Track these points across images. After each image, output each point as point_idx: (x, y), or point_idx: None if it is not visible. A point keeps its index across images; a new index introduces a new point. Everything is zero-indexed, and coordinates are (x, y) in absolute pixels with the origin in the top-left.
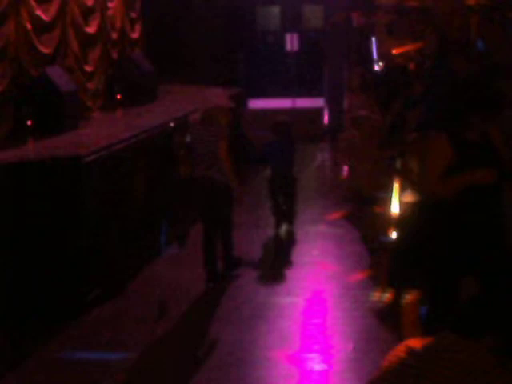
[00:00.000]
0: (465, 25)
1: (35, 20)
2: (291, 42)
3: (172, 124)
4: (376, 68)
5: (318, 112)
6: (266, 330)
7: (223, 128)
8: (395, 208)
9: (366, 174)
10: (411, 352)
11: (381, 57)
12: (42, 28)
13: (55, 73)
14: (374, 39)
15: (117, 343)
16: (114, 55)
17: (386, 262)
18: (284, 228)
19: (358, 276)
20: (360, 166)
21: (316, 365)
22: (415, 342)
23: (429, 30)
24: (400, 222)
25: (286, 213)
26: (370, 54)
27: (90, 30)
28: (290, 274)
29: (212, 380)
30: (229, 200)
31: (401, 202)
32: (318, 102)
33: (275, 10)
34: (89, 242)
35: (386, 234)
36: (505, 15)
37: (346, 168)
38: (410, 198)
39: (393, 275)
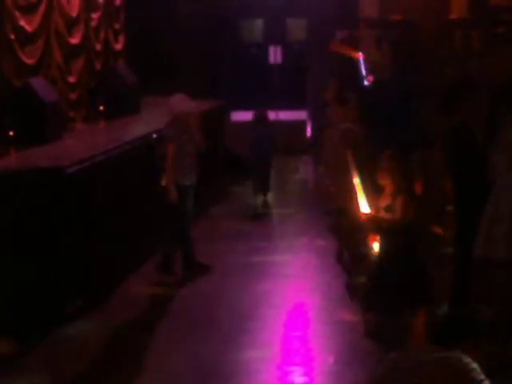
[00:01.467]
0: (449, 39)
1: (19, 30)
2: (275, 55)
3: (155, 135)
4: (365, 83)
5: (301, 125)
6: (247, 341)
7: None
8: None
9: (347, 187)
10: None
11: (369, 71)
12: (25, 39)
13: (38, 84)
14: (360, 54)
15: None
16: (98, 66)
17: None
18: (261, 198)
19: (340, 288)
20: (342, 179)
21: (297, 377)
22: (399, 355)
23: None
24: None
25: (264, 187)
26: (353, 68)
27: (74, 40)
28: (271, 286)
29: None
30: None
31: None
32: (301, 115)
33: (259, 22)
34: (71, 254)
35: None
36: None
37: (328, 181)
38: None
39: (371, 300)
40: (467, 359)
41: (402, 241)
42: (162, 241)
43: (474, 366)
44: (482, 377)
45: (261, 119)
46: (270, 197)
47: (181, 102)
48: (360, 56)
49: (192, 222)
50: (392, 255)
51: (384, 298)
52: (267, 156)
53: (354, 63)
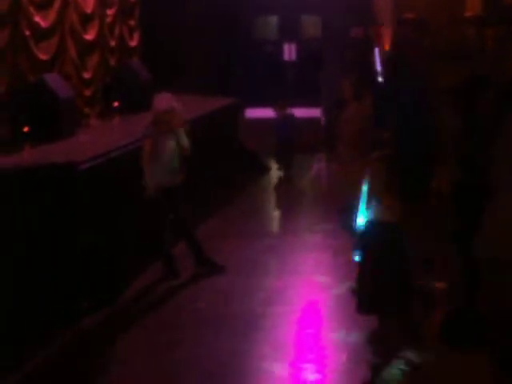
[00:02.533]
0: (462, 37)
1: (34, 26)
2: (289, 52)
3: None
4: (379, 79)
5: (315, 122)
6: (260, 339)
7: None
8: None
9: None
10: (408, 365)
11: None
12: (40, 35)
13: (53, 79)
14: (377, 50)
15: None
16: (112, 62)
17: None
18: (284, 173)
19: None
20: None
21: (310, 375)
22: (411, 355)
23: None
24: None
25: (287, 164)
26: (369, 64)
27: (89, 37)
28: (285, 283)
29: None
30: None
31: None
32: (315, 112)
33: (273, 19)
34: (84, 250)
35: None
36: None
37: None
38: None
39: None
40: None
41: (391, 242)
42: (159, 243)
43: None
44: None
45: (283, 106)
46: (282, 194)
47: (164, 101)
48: (376, 49)
49: (183, 223)
50: (382, 255)
51: (379, 300)
52: (290, 138)
53: (370, 58)
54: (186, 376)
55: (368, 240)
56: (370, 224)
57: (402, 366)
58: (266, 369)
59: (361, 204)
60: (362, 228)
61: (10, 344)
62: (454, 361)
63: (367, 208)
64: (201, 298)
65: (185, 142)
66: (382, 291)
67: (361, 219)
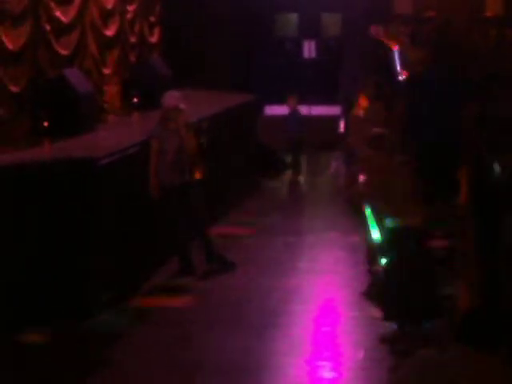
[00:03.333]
0: (482, 36)
1: (54, 21)
2: (309, 49)
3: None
4: (399, 78)
5: (333, 120)
6: (276, 336)
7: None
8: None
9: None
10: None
11: (404, 67)
12: (60, 30)
13: (73, 75)
14: (396, 49)
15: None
16: (132, 59)
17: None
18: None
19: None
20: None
21: (326, 372)
22: (427, 353)
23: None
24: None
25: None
26: (389, 63)
27: (109, 32)
28: (301, 281)
29: None
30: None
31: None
32: (334, 110)
33: (293, 17)
34: (101, 244)
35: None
36: None
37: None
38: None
39: (390, 309)
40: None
41: (415, 247)
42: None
43: None
44: None
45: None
46: (301, 192)
47: (173, 99)
48: (396, 48)
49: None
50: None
51: (402, 306)
52: (297, 137)
53: (390, 57)
54: (200, 373)
55: (393, 247)
56: (394, 231)
57: (418, 365)
58: (282, 366)
59: (374, 215)
60: (379, 239)
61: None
62: (471, 360)
63: (386, 216)
64: (217, 294)
65: (190, 142)
66: (410, 299)
67: (375, 231)
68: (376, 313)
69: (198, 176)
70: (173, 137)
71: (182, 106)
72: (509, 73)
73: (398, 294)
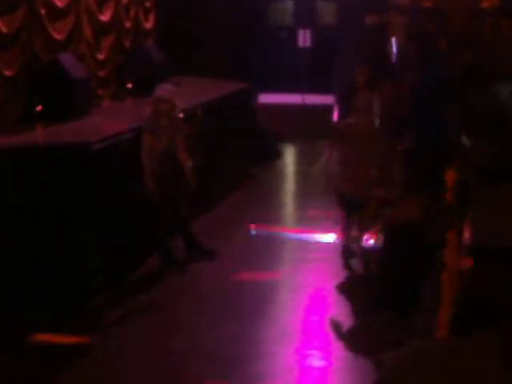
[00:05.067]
0: (479, 27)
1: (49, 6)
2: (303, 38)
3: (181, 115)
4: (395, 67)
5: (327, 109)
6: (267, 324)
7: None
8: None
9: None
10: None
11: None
12: (55, 14)
13: (67, 60)
14: (393, 40)
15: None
16: (127, 44)
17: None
18: None
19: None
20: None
21: (315, 361)
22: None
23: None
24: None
25: None
26: (385, 53)
27: (104, 17)
28: (293, 269)
29: (212, 373)
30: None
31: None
32: (328, 99)
33: (288, 4)
34: (94, 230)
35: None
36: None
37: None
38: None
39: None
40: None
41: (414, 238)
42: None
43: None
44: None
45: None
46: (293, 181)
47: (165, 92)
48: (393, 38)
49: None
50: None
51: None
52: None
53: (386, 46)
54: (191, 359)
55: (389, 242)
56: (391, 226)
57: (409, 355)
58: (272, 355)
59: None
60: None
61: (21, 319)
62: (464, 348)
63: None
64: (207, 282)
65: (182, 155)
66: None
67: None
68: (365, 304)
69: (190, 164)
70: (165, 133)
71: (174, 99)
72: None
73: (391, 285)
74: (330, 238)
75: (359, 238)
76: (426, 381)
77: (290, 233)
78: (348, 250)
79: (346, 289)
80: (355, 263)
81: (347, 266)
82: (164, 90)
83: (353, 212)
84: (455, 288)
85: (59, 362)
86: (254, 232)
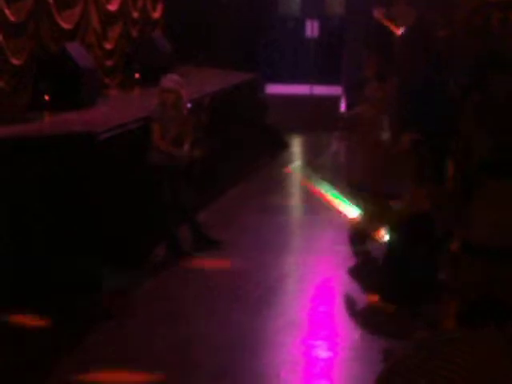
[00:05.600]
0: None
1: None
2: (311, 29)
3: (188, 105)
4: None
5: (335, 100)
6: (273, 315)
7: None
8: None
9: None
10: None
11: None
12: (63, 3)
13: (75, 49)
14: (401, 30)
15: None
16: (134, 34)
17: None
18: None
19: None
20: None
21: (322, 352)
22: (424, 335)
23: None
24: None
25: None
26: (391, 45)
27: (112, 7)
28: (300, 260)
29: (217, 363)
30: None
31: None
32: (335, 90)
33: None
34: (102, 219)
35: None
36: None
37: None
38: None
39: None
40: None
41: (418, 230)
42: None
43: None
44: None
45: None
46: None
47: (171, 82)
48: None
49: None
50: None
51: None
52: None
53: (392, 39)
54: (197, 349)
55: (397, 233)
56: (400, 217)
57: (416, 346)
58: (278, 345)
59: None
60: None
61: (33, 307)
62: (471, 340)
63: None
64: (212, 272)
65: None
66: (410, 282)
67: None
68: (369, 294)
69: (197, 153)
70: (173, 123)
71: (180, 90)
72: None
73: (398, 276)
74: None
75: (368, 233)
76: (433, 372)
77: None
78: (357, 239)
79: (354, 279)
80: (364, 251)
81: (356, 253)
82: (170, 80)
83: (362, 201)
84: (463, 281)
85: (61, 349)
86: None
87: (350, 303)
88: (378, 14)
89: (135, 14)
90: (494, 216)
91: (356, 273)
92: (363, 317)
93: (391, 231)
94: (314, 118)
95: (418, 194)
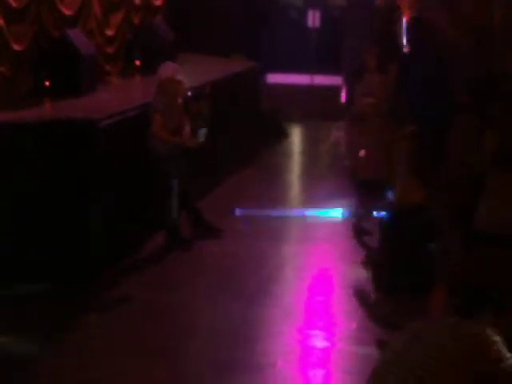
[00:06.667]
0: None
1: None
2: (313, 19)
3: (189, 93)
4: (405, 50)
5: (335, 90)
6: (270, 304)
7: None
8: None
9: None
10: (414, 336)
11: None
12: None
13: (76, 35)
14: (404, 21)
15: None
16: (136, 21)
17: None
18: None
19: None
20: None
21: (318, 341)
22: (418, 325)
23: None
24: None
25: None
26: (393, 35)
27: None
28: (297, 249)
29: (215, 352)
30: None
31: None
32: (336, 80)
33: None
34: (100, 207)
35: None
36: None
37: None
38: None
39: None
40: (489, 332)
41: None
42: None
43: (497, 339)
44: (505, 351)
45: None
46: (300, 161)
47: (169, 70)
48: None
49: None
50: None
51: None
52: None
53: (395, 28)
54: (194, 338)
55: (391, 224)
56: (393, 207)
57: (408, 337)
58: (274, 334)
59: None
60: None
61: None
62: (462, 328)
63: (390, 191)
64: (211, 260)
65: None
66: (406, 272)
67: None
68: (371, 284)
69: (198, 144)
70: (174, 112)
71: (178, 77)
72: None
73: (394, 266)
74: (336, 215)
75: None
76: (425, 361)
77: (287, 212)
78: (361, 229)
79: (351, 270)
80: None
81: (361, 243)
82: (168, 68)
83: (365, 192)
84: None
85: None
86: (238, 212)
87: (347, 294)
88: (379, 2)
89: (137, 1)
90: (496, 205)
91: (355, 264)
92: (360, 307)
93: (385, 221)
94: (314, 107)
95: (412, 184)
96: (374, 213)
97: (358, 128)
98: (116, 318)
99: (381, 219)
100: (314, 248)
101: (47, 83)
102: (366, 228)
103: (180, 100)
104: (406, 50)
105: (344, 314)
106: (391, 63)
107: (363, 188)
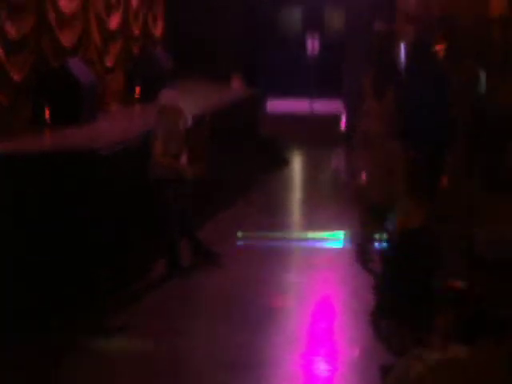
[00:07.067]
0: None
1: (58, 11)
2: (312, 46)
3: (189, 121)
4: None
5: (335, 117)
6: (273, 331)
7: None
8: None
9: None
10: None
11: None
12: (64, 20)
13: (76, 65)
14: (403, 45)
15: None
16: (135, 50)
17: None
18: None
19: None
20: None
21: (321, 368)
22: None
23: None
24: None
25: None
26: (391, 61)
27: (113, 24)
28: (299, 276)
29: (217, 379)
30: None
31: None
32: (336, 107)
33: (297, 12)
34: (103, 235)
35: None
36: None
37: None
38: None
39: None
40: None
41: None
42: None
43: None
44: None
45: None
46: (301, 188)
47: (169, 99)
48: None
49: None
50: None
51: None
52: None
53: (393, 54)
54: (196, 364)
55: (392, 249)
56: (394, 232)
57: (414, 363)
58: (277, 360)
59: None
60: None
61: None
62: (469, 357)
63: (391, 216)
64: (211, 288)
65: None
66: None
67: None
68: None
69: (198, 172)
70: (174, 140)
71: (179, 105)
72: None
73: (397, 290)
74: (337, 241)
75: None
76: None
77: (289, 239)
78: (365, 254)
79: (354, 295)
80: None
81: (365, 268)
82: (168, 96)
83: (371, 217)
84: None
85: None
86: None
87: (350, 319)
88: (379, 28)
89: (136, 31)
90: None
91: (357, 290)
92: (363, 334)
93: (387, 246)
94: (313, 135)
95: (411, 208)
96: (376, 244)
97: (360, 152)
98: (115, 345)
99: (382, 247)
100: (315, 274)
101: (47, 112)
102: (370, 253)
103: (181, 127)
104: (404, 74)
105: (347, 340)
106: (388, 87)
107: (367, 213)
